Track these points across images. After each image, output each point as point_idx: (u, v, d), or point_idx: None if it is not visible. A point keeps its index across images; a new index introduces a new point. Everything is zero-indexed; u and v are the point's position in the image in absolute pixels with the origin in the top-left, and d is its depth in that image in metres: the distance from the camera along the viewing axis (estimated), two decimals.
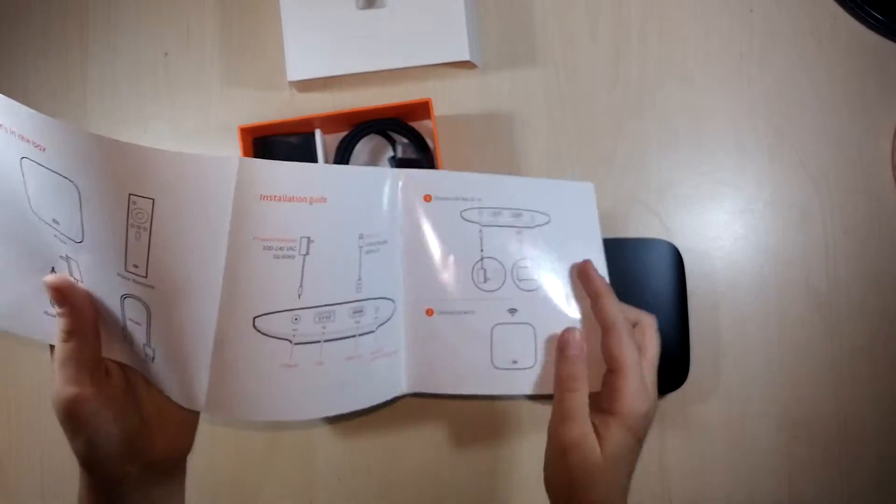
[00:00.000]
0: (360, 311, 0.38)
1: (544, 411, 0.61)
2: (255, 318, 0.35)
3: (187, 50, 0.66)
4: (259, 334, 0.35)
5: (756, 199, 0.62)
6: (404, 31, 0.61)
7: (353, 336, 0.38)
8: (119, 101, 0.66)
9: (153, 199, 0.33)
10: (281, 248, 0.35)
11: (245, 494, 0.64)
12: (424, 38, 0.61)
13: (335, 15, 0.61)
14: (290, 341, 0.36)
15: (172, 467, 0.43)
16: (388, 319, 0.40)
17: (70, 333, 0.37)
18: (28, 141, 0.33)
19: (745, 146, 0.62)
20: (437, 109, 0.60)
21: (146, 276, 0.33)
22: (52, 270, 0.36)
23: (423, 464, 0.61)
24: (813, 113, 0.62)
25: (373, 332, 0.39)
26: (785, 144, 0.62)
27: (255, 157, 0.61)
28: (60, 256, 0.35)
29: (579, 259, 0.45)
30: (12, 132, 0.33)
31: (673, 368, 0.58)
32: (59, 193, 0.33)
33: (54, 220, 0.34)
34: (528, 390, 0.44)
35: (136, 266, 0.33)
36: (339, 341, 0.37)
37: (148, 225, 0.33)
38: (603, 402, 0.44)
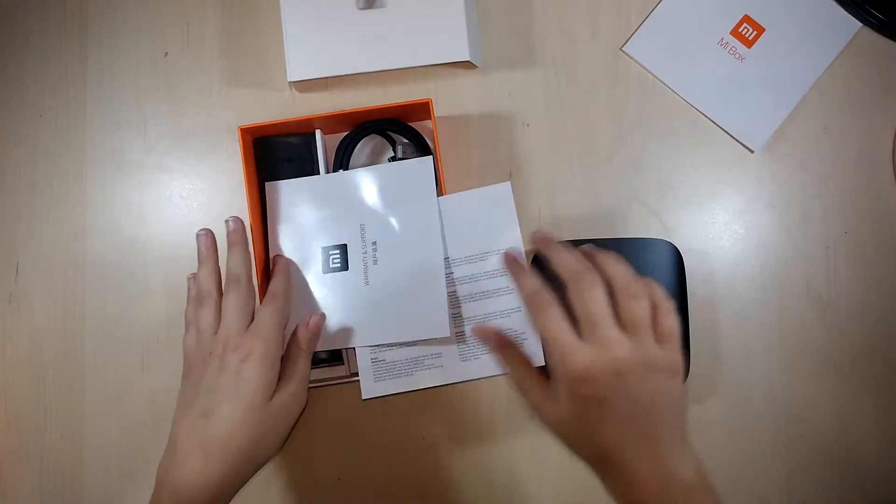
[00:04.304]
0: None
1: None
2: None
3: (187, 50, 0.66)
4: None
5: (756, 200, 0.62)
6: (404, 31, 0.61)
7: None
8: (119, 100, 0.65)
9: None
10: None
11: (244, 494, 0.63)
12: (424, 38, 0.61)
13: (335, 15, 0.61)
14: None
15: None
16: None
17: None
18: None
19: (745, 146, 0.62)
20: (437, 109, 0.60)
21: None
22: None
23: (423, 464, 0.61)
24: (813, 113, 0.62)
25: None
26: (785, 144, 0.62)
27: (256, 157, 0.61)
28: None
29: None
30: None
31: None
32: None
33: None
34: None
35: None
36: None
37: None
38: None
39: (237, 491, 0.49)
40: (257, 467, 0.50)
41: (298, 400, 0.52)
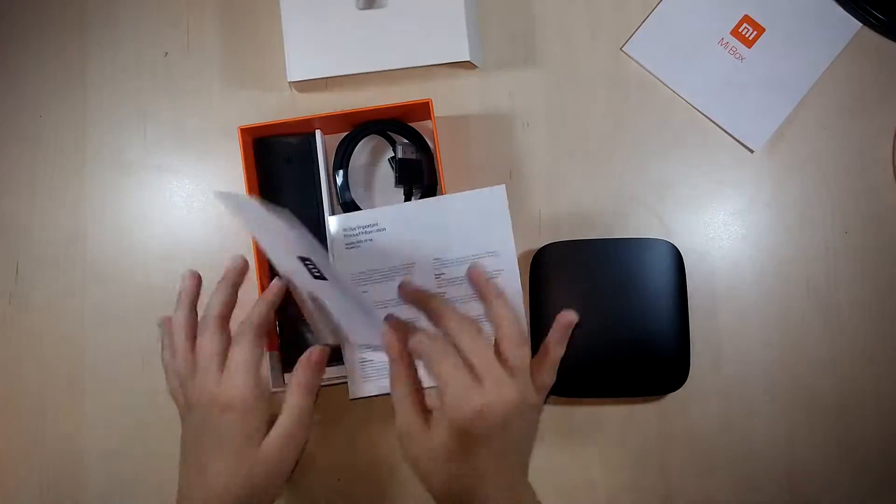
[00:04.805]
0: None
1: (548, 413, 0.61)
2: None
3: (187, 50, 0.66)
4: None
5: (756, 199, 0.62)
6: (404, 31, 0.61)
7: None
8: (119, 101, 0.65)
9: None
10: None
11: None
12: (424, 38, 0.61)
13: (335, 15, 0.61)
14: None
15: None
16: None
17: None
18: None
19: (745, 146, 0.62)
20: (437, 110, 0.60)
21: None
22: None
23: None
24: (813, 113, 0.62)
25: None
26: (785, 144, 0.62)
27: (256, 157, 0.61)
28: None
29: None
30: None
31: (673, 368, 0.58)
32: None
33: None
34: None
35: None
36: None
37: None
38: None
39: None
40: None
41: (294, 441, 0.49)
